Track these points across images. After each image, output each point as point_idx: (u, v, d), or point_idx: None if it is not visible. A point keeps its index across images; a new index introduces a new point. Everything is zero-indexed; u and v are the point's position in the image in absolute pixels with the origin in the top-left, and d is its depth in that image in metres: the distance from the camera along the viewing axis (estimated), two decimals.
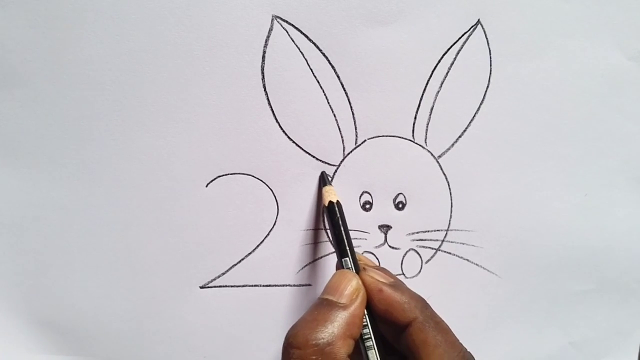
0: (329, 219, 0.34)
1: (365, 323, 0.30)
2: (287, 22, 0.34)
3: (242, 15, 0.34)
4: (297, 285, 0.39)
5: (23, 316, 0.36)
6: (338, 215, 0.34)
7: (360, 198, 0.38)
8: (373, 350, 0.30)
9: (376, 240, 0.39)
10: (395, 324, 0.30)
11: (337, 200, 0.34)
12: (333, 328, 0.28)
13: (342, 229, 0.33)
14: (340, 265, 0.32)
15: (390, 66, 0.36)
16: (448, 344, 0.29)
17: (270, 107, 0.35)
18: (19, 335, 0.36)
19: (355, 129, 0.37)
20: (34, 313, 0.36)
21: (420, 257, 0.40)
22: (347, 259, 0.32)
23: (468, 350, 0.30)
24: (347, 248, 0.32)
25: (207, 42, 0.34)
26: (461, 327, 0.42)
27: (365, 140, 0.37)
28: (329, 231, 0.37)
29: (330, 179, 0.36)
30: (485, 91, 0.38)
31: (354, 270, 0.32)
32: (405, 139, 0.38)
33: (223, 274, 0.38)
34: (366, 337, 0.30)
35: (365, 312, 0.30)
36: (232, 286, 0.38)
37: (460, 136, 0.39)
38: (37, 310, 0.36)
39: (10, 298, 0.35)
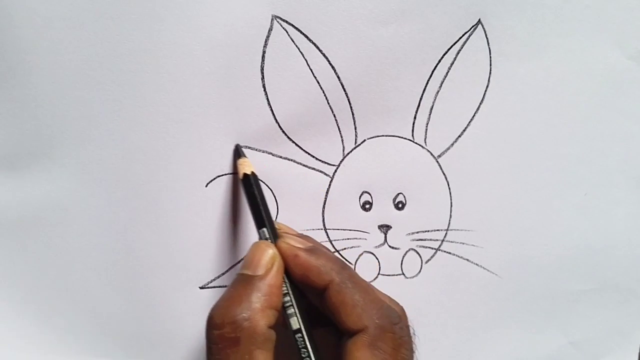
0: (244, 191, 0.34)
1: (286, 291, 0.30)
2: (286, 22, 0.34)
3: (241, 15, 0.34)
4: None
5: (22, 316, 0.36)
6: (254, 186, 0.33)
7: (360, 198, 0.38)
8: (295, 317, 0.30)
9: (376, 240, 0.39)
10: (314, 288, 0.30)
11: (252, 172, 0.34)
12: (250, 302, 0.28)
13: (258, 200, 0.33)
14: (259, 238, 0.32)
15: (390, 66, 0.36)
16: (367, 302, 0.29)
17: (270, 107, 0.35)
18: (18, 335, 0.36)
19: (355, 128, 0.37)
20: (33, 313, 0.36)
21: (420, 257, 0.40)
22: (264, 229, 0.32)
23: (400, 305, 0.31)
24: (264, 218, 0.32)
25: (207, 41, 0.34)
26: (461, 326, 0.42)
27: (364, 140, 0.38)
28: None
29: (243, 152, 0.35)
30: (485, 91, 0.38)
31: (272, 240, 0.31)
32: (405, 138, 0.38)
33: (223, 274, 0.38)
34: (287, 304, 0.30)
35: (286, 280, 0.30)
36: None
37: (460, 136, 0.39)
38: (36, 311, 0.36)
39: (9, 298, 0.35)
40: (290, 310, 0.30)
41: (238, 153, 0.35)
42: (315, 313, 0.31)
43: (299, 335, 0.29)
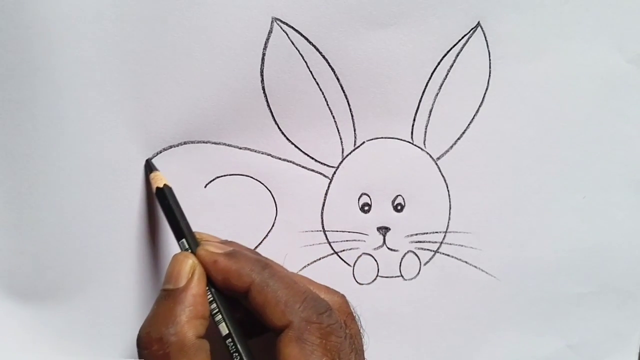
0: (160, 204, 0.33)
1: (212, 299, 0.30)
2: (286, 24, 0.34)
3: (241, 17, 0.34)
4: None
5: (20, 317, 0.36)
6: (168, 199, 0.33)
7: (359, 200, 0.38)
8: (223, 323, 0.29)
9: (375, 242, 0.39)
10: (238, 292, 0.29)
11: (165, 184, 0.33)
12: (175, 316, 0.28)
13: (174, 211, 0.32)
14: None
15: (389, 68, 0.36)
16: (290, 297, 0.29)
17: (269, 108, 0.35)
18: (16, 336, 0.36)
19: (354, 130, 0.37)
20: (31, 314, 0.36)
21: (419, 259, 0.40)
22: (183, 240, 0.32)
23: (339, 293, 0.31)
24: (182, 228, 0.32)
25: (206, 43, 0.34)
26: (459, 329, 0.42)
27: (364, 142, 0.38)
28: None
29: (155, 166, 0.35)
30: (485, 93, 0.38)
31: (192, 250, 0.31)
32: (404, 140, 0.38)
33: None
34: (214, 312, 0.30)
35: (210, 288, 0.30)
36: None
37: (459, 138, 0.39)
38: (34, 312, 0.36)
39: (7, 299, 0.35)
40: (218, 317, 0.30)
41: (150, 168, 0.35)
42: (250, 318, 0.31)
43: (229, 340, 0.29)
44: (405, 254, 0.40)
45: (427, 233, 0.40)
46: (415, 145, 0.38)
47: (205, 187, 0.36)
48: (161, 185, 0.33)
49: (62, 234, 0.35)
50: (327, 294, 0.32)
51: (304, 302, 0.29)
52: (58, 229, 0.35)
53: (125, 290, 0.36)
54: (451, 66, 0.37)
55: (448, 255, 0.40)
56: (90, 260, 0.35)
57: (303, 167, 0.37)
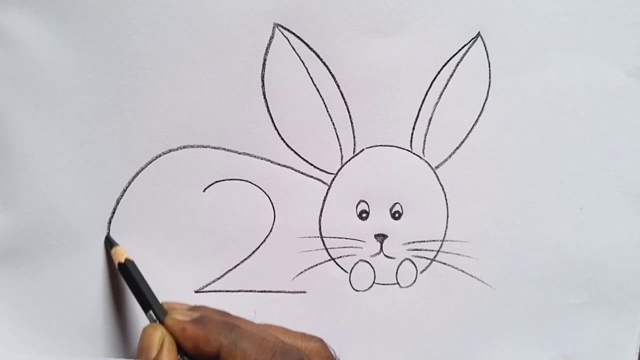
0: (124, 278, 0.34)
1: None
2: (288, 30, 0.35)
3: (243, 22, 0.34)
4: (292, 292, 0.39)
5: (18, 317, 0.36)
6: (132, 273, 0.33)
7: (356, 207, 0.38)
8: None
9: (372, 250, 0.39)
10: (209, 358, 0.30)
11: (126, 259, 0.34)
12: None
13: (139, 285, 0.33)
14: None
15: (389, 76, 0.36)
16: (260, 353, 0.29)
17: (270, 114, 0.36)
18: (15, 336, 0.36)
19: (354, 137, 0.37)
20: (30, 314, 0.36)
21: (416, 267, 0.40)
22: (150, 312, 0.32)
23: (317, 338, 0.32)
24: (149, 300, 0.32)
25: (208, 48, 0.34)
26: (454, 337, 0.42)
27: (363, 150, 0.38)
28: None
29: (114, 240, 0.36)
30: (484, 103, 0.38)
31: (161, 320, 0.32)
32: (403, 149, 0.38)
33: (218, 278, 0.38)
34: None
35: (183, 356, 0.30)
36: (227, 291, 0.38)
37: (458, 147, 0.39)
38: (33, 312, 0.36)
39: (6, 299, 0.35)
40: None
41: (110, 243, 0.35)
42: None
43: None
44: (402, 261, 0.40)
45: (424, 241, 0.40)
46: (414, 153, 0.38)
47: (204, 191, 0.36)
48: (122, 261, 0.34)
49: (62, 233, 0.35)
50: (304, 341, 0.32)
51: (273, 357, 0.29)
52: (58, 229, 0.35)
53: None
54: (451, 75, 0.37)
55: (445, 263, 0.40)
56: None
57: (302, 173, 0.37)
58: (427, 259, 0.40)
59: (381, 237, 0.39)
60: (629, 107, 0.40)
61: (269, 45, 0.35)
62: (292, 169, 0.37)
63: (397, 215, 0.39)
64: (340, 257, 0.39)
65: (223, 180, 0.36)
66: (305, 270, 0.39)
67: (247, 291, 0.38)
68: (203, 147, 0.35)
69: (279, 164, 0.37)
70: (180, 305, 0.34)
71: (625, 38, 0.38)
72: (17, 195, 0.34)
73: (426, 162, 0.39)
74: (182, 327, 0.30)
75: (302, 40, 0.35)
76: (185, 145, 0.35)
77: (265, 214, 0.37)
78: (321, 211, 0.38)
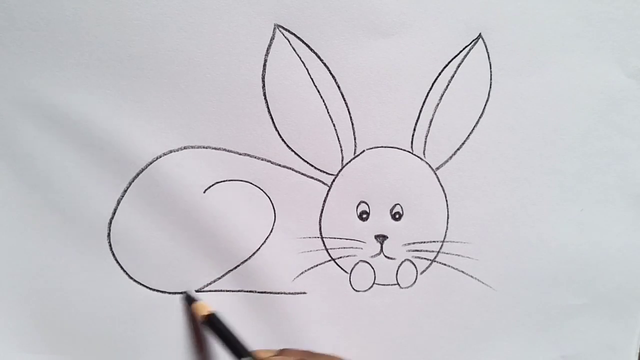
0: (212, 330, 0.35)
1: None
2: (289, 31, 0.34)
3: (244, 23, 0.34)
4: (292, 293, 0.39)
5: (20, 317, 0.36)
6: (221, 325, 0.35)
7: (357, 208, 0.38)
8: None
9: (372, 250, 0.39)
10: None
11: (209, 312, 0.35)
12: None
13: (229, 335, 0.34)
14: None
15: (390, 77, 0.36)
16: None
17: (270, 115, 0.36)
18: (16, 335, 0.36)
19: (355, 139, 0.37)
20: (31, 314, 0.36)
21: (416, 267, 0.40)
22: (247, 359, 0.33)
23: None
24: (241, 349, 0.34)
25: (209, 48, 0.34)
26: (454, 338, 0.42)
27: (364, 151, 0.38)
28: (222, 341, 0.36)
29: (194, 296, 0.37)
30: (485, 105, 0.38)
31: None
32: (404, 150, 0.38)
33: (219, 278, 0.38)
34: None
35: None
36: (227, 291, 0.38)
37: (458, 149, 0.39)
38: (34, 311, 0.36)
39: (7, 298, 0.35)
40: None
41: (189, 299, 0.36)
42: None
43: None
44: (402, 262, 0.40)
45: (424, 242, 0.40)
46: (414, 154, 0.38)
47: (204, 192, 0.36)
48: (206, 313, 0.35)
49: (63, 234, 0.35)
50: None
51: None
52: (58, 229, 0.35)
53: None
54: (452, 77, 0.37)
55: (445, 264, 0.40)
56: None
57: (302, 174, 0.37)
58: (428, 259, 0.40)
59: (381, 238, 0.39)
60: (630, 109, 0.40)
61: (269, 46, 0.34)
62: (293, 169, 0.37)
63: (397, 216, 0.39)
64: (341, 257, 0.39)
65: (224, 181, 0.36)
66: (305, 270, 0.39)
67: (247, 291, 0.38)
68: (204, 147, 0.35)
69: (280, 165, 0.37)
70: (267, 352, 0.36)
71: (626, 40, 0.38)
72: (17, 195, 0.34)
73: (427, 163, 0.39)
74: None
75: (303, 41, 0.35)
76: (186, 146, 0.35)
77: (266, 215, 0.37)
78: (321, 212, 0.38)
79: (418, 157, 0.38)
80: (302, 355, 0.34)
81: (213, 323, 0.35)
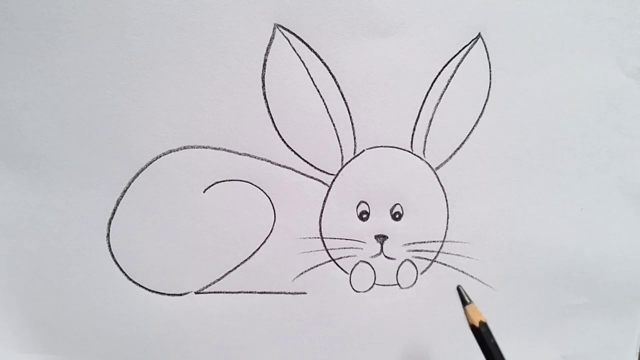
0: (479, 340, 0.34)
1: None
2: (289, 30, 0.35)
3: (244, 22, 0.34)
4: (292, 293, 0.39)
5: (19, 317, 0.36)
6: (489, 338, 0.33)
7: (357, 208, 0.38)
8: None
9: (372, 250, 0.39)
10: None
11: (481, 321, 0.34)
12: None
13: (496, 350, 0.33)
14: None
15: (390, 77, 0.36)
16: None
17: (270, 115, 0.36)
18: (15, 335, 0.36)
19: (354, 138, 0.37)
20: (30, 314, 0.36)
21: (416, 267, 0.40)
22: None
23: None
24: None
25: (208, 48, 0.34)
26: (454, 338, 0.42)
27: (364, 150, 0.38)
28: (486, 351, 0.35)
29: (468, 296, 0.36)
30: (485, 104, 0.38)
31: None
32: (404, 149, 0.38)
33: (219, 279, 0.38)
34: None
35: None
36: (227, 292, 0.38)
37: (458, 148, 0.39)
38: (33, 312, 0.36)
39: (6, 299, 0.35)
40: None
41: (462, 298, 0.36)
42: None
43: None
44: (403, 262, 0.40)
45: (424, 242, 0.40)
46: (414, 154, 0.38)
47: (204, 192, 0.36)
48: (477, 324, 0.34)
49: (62, 234, 0.35)
50: None
51: None
52: (57, 229, 0.35)
53: None
54: (452, 76, 0.37)
55: (445, 264, 0.40)
56: None
57: (302, 173, 0.37)
58: (428, 259, 0.40)
59: (381, 238, 0.39)
60: (629, 108, 0.40)
61: (269, 45, 0.34)
62: (293, 169, 0.37)
63: (397, 216, 0.39)
64: (341, 258, 0.39)
65: (223, 181, 0.36)
66: (305, 271, 0.39)
67: (247, 292, 0.38)
68: (203, 147, 0.35)
69: (280, 165, 0.37)
70: None
71: (625, 39, 0.38)
72: (17, 195, 0.34)
73: (427, 162, 0.39)
74: None
75: (303, 41, 0.35)
76: (186, 145, 0.35)
77: (266, 215, 0.37)
78: (321, 212, 0.38)
79: (418, 156, 0.38)
80: None
81: (484, 335, 0.33)
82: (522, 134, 0.39)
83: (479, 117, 0.38)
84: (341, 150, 0.37)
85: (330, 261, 0.39)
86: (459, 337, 0.41)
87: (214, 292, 0.38)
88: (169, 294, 0.37)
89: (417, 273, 0.40)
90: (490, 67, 0.38)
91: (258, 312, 0.38)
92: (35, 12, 0.32)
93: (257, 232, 0.37)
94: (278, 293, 0.38)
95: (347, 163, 0.38)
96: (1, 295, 0.35)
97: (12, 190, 0.34)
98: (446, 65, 0.37)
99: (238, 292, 0.38)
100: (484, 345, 0.33)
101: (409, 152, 0.38)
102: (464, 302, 0.36)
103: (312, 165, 0.37)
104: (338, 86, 0.36)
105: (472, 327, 0.34)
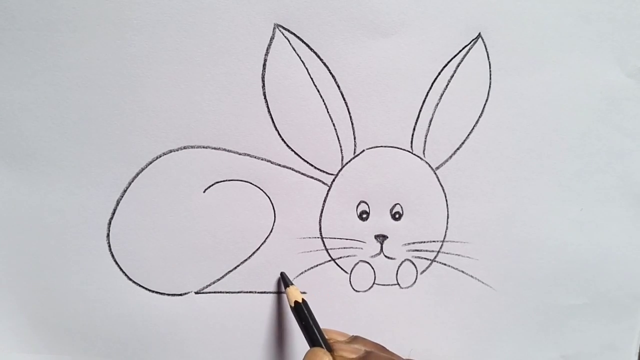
0: (297, 317, 0.35)
1: None
2: (288, 30, 0.35)
3: (244, 22, 0.34)
4: None
5: (19, 317, 0.36)
6: (306, 313, 0.35)
7: (357, 207, 0.38)
8: None
9: (372, 250, 0.39)
10: None
11: (302, 299, 0.36)
12: None
13: (311, 324, 0.35)
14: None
15: (390, 77, 0.36)
16: None
17: (270, 115, 0.36)
18: (15, 335, 0.36)
19: (354, 138, 0.37)
20: (30, 314, 0.36)
21: (416, 267, 0.40)
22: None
23: None
24: (319, 338, 0.34)
25: (209, 48, 0.34)
26: (454, 337, 0.42)
27: (363, 150, 0.38)
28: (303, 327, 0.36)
29: (289, 279, 0.38)
30: (485, 104, 0.38)
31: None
32: (404, 149, 0.38)
33: (219, 279, 0.38)
34: None
35: None
36: (227, 292, 0.38)
37: (458, 148, 0.39)
38: (33, 312, 0.36)
39: (6, 299, 0.35)
40: None
41: (284, 281, 0.37)
42: None
43: None
44: (402, 262, 0.40)
45: (424, 242, 0.40)
46: (414, 154, 0.38)
47: (204, 191, 0.36)
48: (299, 300, 0.36)
49: (62, 234, 0.35)
50: None
51: None
52: (57, 229, 0.35)
53: None
54: (452, 76, 0.37)
55: (445, 264, 0.40)
56: None
57: (302, 173, 0.37)
58: (427, 259, 0.40)
59: (381, 238, 0.39)
60: (629, 108, 0.40)
61: (269, 45, 0.34)
62: (293, 169, 0.37)
63: (397, 215, 0.39)
64: (341, 257, 0.39)
65: (223, 180, 0.36)
66: (305, 270, 0.39)
67: (247, 292, 0.38)
68: (203, 147, 0.35)
69: (280, 165, 0.37)
70: (340, 334, 0.36)
71: (625, 39, 0.38)
72: (17, 195, 0.34)
73: (426, 162, 0.39)
74: None
75: (303, 41, 0.35)
76: (186, 145, 0.35)
77: (266, 215, 0.37)
78: (321, 212, 0.38)
79: (418, 156, 0.38)
80: (373, 346, 0.34)
81: (300, 310, 0.35)
82: (521, 134, 0.39)
83: (479, 117, 0.38)
84: (341, 150, 0.37)
85: (330, 261, 0.39)
86: (458, 337, 0.41)
87: (214, 292, 0.38)
88: (169, 294, 0.37)
89: (417, 273, 0.40)
90: (490, 67, 0.38)
91: (258, 312, 0.38)
92: (35, 12, 0.32)
93: (257, 232, 0.37)
94: (278, 293, 0.38)
95: (347, 163, 0.38)
96: (1, 295, 0.35)
97: (12, 190, 0.34)
98: (446, 65, 0.37)
99: (238, 292, 0.38)
100: (304, 321, 0.35)
101: (409, 152, 0.38)
102: (286, 285, 0.37)
103: (312, 165, 0.37)
104: (338, 86, 0.36)
105: (292, 308, 0.36)
